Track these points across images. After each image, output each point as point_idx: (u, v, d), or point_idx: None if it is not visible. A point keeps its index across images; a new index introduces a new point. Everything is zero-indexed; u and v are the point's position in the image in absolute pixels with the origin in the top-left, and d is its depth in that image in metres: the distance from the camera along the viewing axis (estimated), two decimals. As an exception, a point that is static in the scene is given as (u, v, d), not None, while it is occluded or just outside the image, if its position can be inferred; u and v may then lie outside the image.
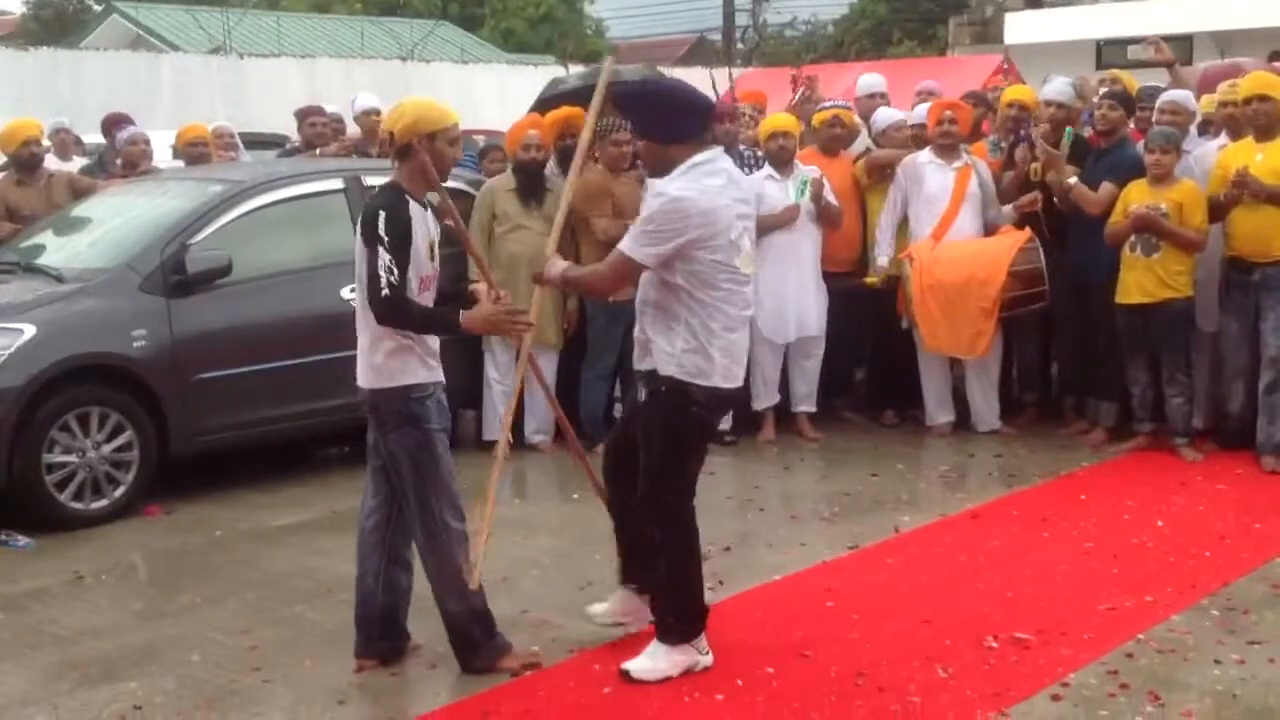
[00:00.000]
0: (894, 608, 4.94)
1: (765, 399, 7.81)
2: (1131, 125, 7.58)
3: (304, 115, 9.60)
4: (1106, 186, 7.15)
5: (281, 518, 6.36)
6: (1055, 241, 7.40)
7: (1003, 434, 7.69)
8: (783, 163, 7.63)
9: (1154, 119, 7.39)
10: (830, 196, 7.63)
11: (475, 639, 4.37)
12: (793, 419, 7.85)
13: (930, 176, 7.58)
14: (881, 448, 7.53)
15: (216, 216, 6.81)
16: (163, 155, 9.52)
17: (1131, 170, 7.12)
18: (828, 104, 8.23)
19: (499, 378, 7.44)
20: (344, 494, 6.24)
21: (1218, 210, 6.91)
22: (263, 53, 22.90)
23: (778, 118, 7.91)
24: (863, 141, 8.27)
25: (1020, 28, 24.45)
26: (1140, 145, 7.28)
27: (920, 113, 8.05)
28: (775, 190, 7.60)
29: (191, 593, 5.26)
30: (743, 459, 7.40)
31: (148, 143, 9.01)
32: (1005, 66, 13.59)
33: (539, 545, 5.80)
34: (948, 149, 7.59)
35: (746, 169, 7.93)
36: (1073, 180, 7.23)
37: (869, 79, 8.98)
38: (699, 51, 33.97)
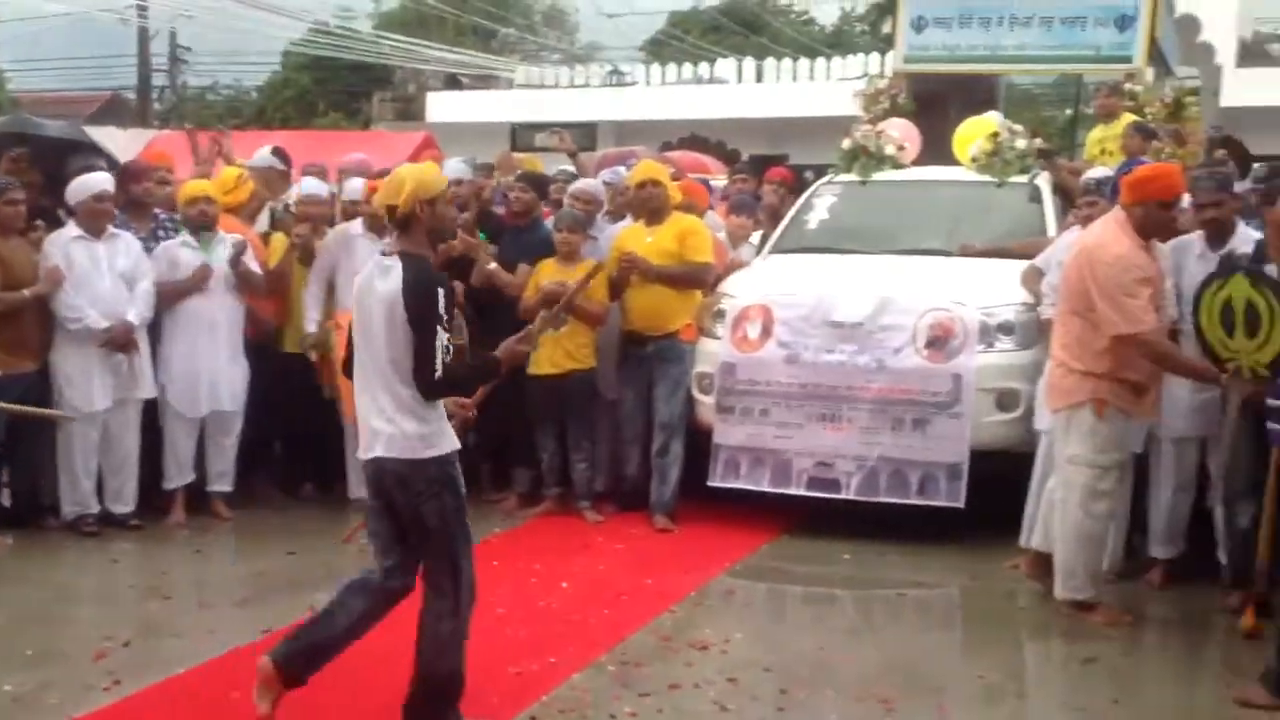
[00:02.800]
0: (309, 691, 4.77)
1: (177, 478, 7.43)
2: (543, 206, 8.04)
3: None
4: (523, 268, 7.55)
5: None
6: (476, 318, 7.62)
7: (422, 505, 7.75)
8: (203, 228, 7.35)
9: (566, 203, 7.90)
10: (251, 263, 7.43)
11: (444, 704, 4.40)
12: (205, 497, 7.50)
13: (360, 248, 7.56)
14: (300, 525, 7.36)
15: None
16: None
17: (543, 248, 7.53)
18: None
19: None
20: None
21: (615, 288, 7.46)
22: None
23: (195, 184, 7.65)
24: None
25: (441, 107, 25.47)
26: (549, 223, 7.75)
27: (352, 187, 8.01)
28: (191, 258, 7.34)
29: None
30: (149, 544, 6.98)
31: None
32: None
33: None
34: (380, 224, 7.62)
35: (163, 234, 7.57)
36: (492, 265, 7.53)
37: (264, 153, 8.85)
38: (113, 110, 32.03)
